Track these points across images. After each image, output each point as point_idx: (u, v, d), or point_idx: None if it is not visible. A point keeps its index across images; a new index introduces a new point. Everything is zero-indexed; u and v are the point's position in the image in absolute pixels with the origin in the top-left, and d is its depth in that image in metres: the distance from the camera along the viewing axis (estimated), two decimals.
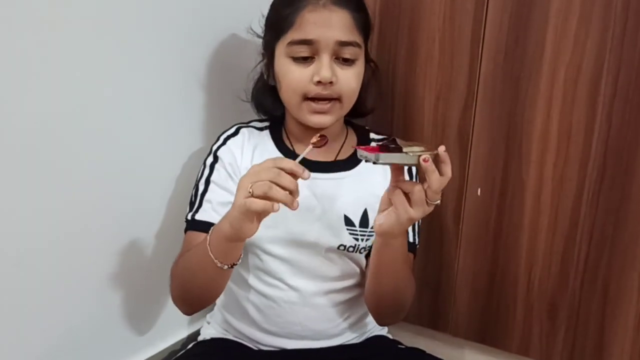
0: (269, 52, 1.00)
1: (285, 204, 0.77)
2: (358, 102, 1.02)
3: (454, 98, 1.15)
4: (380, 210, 0.86)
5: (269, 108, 1.05)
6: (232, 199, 0.94)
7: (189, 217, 0.99)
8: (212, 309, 1.13)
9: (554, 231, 1.11)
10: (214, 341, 1.07)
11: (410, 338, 1.22)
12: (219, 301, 1.10)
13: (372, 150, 0.80)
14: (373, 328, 1.10)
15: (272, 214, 0.80)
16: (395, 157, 0.79)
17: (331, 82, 0.93)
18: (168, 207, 1.11)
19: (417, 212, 0.81)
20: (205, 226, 0.95)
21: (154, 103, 1.04)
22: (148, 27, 1.00)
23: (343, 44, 0.93)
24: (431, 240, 1.22)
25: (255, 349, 1.04)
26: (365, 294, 1.02)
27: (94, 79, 0.93)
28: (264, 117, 1.08)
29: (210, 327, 1.10)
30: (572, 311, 1.12)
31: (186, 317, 1.21)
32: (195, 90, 1.11)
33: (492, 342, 1.21)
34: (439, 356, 1.00)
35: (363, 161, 0.89)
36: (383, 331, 1.12)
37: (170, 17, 1.03)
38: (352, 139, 1.07)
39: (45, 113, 0.87)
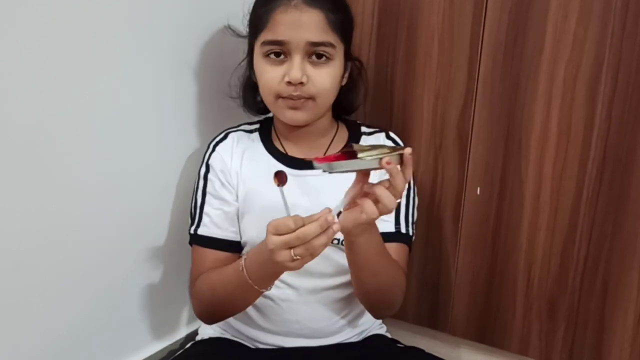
0: (249, 51, 1.02)
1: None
2: (344, 100, 1.04)
3: (453, 97, 1.15)
4: (344, 208, 0.84)
5: (255, 105, 1.06)
6: (225, 207, 1.01)
7: (192, 232, 1.02)
8: None
9: (553, 230, 1.11)
10: (212, 341, 1.06)
11: (410, 337, 1.22)
12: None
13: (327, 159, 0.77)
14: (372, 326, 1.10)
15: (262, 215, 0.84)
16: (351, 164, 0.76)
17: (302, 83, 0.94)
18: (167, 208, 1.10)
19: (380, 214, 0.81)
20: (208, 242, 1.01)
21: (148, 102, 1.04)
22: (142, 27, 1.00)
23: (314, 44, 0.94)
24: (430, 240, 1.22)
25: (253, 347, 1.04)
26: (354, 291, 1.01)
27: (87, 80, 0.92)
28: (254, 120, 1.08)
29: (209, 327, 1.09)
30: (572, 310, 1.12)
31: (185, 317, 1.21)
32: (190, 89, 1.11)
33: (491, 342, 1.21)
34: (438, 355, 1.00)
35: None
36: (382, 330, 1.12)
37: (164, 16, 1.03)
38: (343, 133, 1.07)
39: (40, 115, 0.87)
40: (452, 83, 1.15)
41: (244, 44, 1.04)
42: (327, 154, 1.03)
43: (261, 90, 0.99)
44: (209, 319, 1.02)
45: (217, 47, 1.13)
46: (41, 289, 0.92)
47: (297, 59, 0.93)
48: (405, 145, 1.04)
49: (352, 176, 0.99)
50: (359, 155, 0.76)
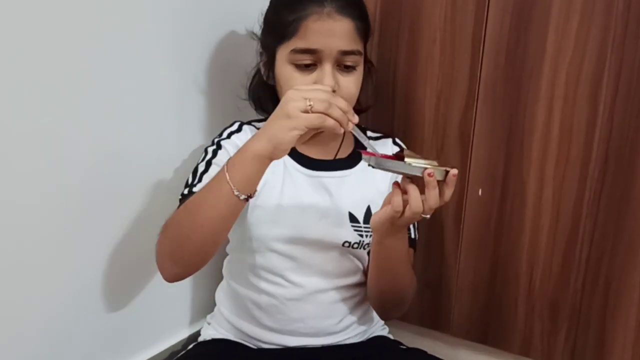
0: (268, 53, 0.99)
1: (341, 124, 0.79)
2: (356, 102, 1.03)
3: (455, 98, 1.15)
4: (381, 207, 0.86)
5: (267, 105, 1.05)
6: None
7: (186, 192, 0.96)
8: (212, 310, 1.12)
9: (555, 231, 1.11)
10: (215, 342, 1.06)
11: (412, 338, 1.22)
12: (219, 300, 1.09)
13: (376, 155, 0.80)
14: (375, 327, 1.10)
15: (275, 212, 0.84)
16: (396, 165, 0.79)
17: (334, 91, 0.92)
18: (169, 207, 1.10)
19: (407, 219, 0.83)
20: None
21: (152, 101, 1.03)
22: (147, 24, 1.00)
23: (345, 53, 0.94)
24: (432, 241, 1.22)
25: (256, 347, 1.04)
26: (367, 289, 1.03)
27: (92, 77, 0.92)
28: (262, 117, 1.08)
29: (211, 328, 1.09)
30: (574, 311, 1.12)
31: (187, 318, 1.21)
32: (194, 87, 1.11)
33: (493, 343, 1.21)
34: (440, 356, 1.00)
35: (363, 160, 0.90)
36: (384, 331, 1.12)
37: (168, 15, 1.03)
38: (350, 137, 1.06)
39: (43, 112, 0.86)
40: (454, 84, 1.15)
41: (246, 40, 1.04)
42: (337, 157, 1.03)
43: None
44: (173, 264, 0.90)
45: (221, 44, 1.13)
46: (41, 288, 0.92)
47: (328, 68, 0.93)
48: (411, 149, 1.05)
49: (362, 178, 1.00)
50: (407, 160, 0.78)
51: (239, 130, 1.03)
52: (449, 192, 0.81)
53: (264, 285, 1.01)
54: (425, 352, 1.03)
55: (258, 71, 1.05)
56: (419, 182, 0.81)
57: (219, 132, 1.04)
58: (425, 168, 0.78)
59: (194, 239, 0.86)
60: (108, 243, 1.01)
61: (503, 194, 1.14)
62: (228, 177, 0.81)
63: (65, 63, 0.88)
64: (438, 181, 0.80)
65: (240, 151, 0.83)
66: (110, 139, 0.97)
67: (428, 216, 0.82)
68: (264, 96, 1.04)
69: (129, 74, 0.98)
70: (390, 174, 0.92)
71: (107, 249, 1.01)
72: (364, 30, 0.97)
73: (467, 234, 1.19)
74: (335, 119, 0.78)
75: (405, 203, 0.81)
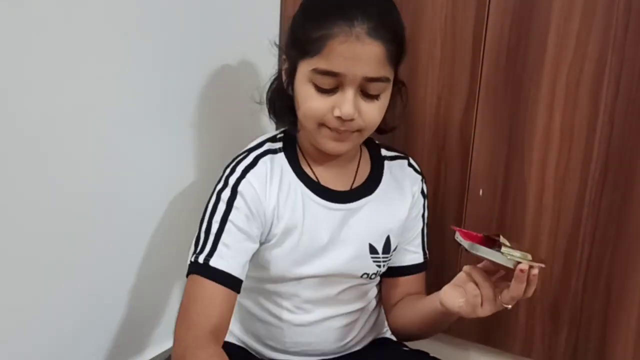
0: (290, 64, 0.90)
1: None
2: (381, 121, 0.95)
3: (456, 99, 1.15)
4: (454, 283, 0.87)
5: (282, 113, 0.97)
6: (250, 243, 0.89)
7: (201, 260, 0.86)
8: None
9: (556, 232, 1.11)
10: None
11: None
12: None
13: (471, 237, 0.79)
14: (381, 333, 1.10)
15: (294, 250, 0.87)
16: (491, 254, 0.79)
17: (352, 119, 0.86)
18: (170, 211, 1.10)
19: (485, 310, 0.83)
20: (222, 277, 0.86)
21: (153, 106, 1.04)
22: (152, 28, 1.00)
23: (371, 79, 0.85)
24: (433, 242, 1.22)
25: (259, 357, 1.03)
26: (394, 325, 1.05)
27: (95, 82, 0.92)
28: (274, 133, 1.00)
29: None
30: (575, 312, 1.12)
31: None
32: (196, 94, 1.11)
33: (495, 344, 1.21)
34: (443, 358, 1.00)
35: (382, 184, 0.94)
36: (387, 333, 1.11)
37: (174, 20, 1.03)
38: (366, 156, 1.01)
39: (45, 115, 0.86)
40: (455, 85, 1.15)
41: (257, 46, 1.03)
42: (354, 183, 0.97)
43: (303, 114, 0.90)
44: None
45: (230, 49, 1.14)
46: (41, 290, 0.91)
47: (350, 94, 0.85)
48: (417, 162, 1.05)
49: (380, 206, 0.97)
50: (503, 250, 0.78)
51: (253, 163, 0.92)
52: (531, 290, 0.80)
53: (274, 308, 0.98)
54: (427, 354, 1.03)
55: (278, 76, 0.97)
56: (509, 271, 0.80)
57: (230, 163, 0.93)
58: (519, 262, 0.78)
59: None
60: (108, 245, 1.00)
61: (504, 195, 1.14)
62: None
63: (71, 64, 0.88)
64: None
65: None
66: (114, 142, 0.98)
67: (509, 306, 0.82)
68: (280, 103, 0.96)
69: (133, 77, 0.98)
70: (407, 199, 0.93)
71: (107, 251, 1.01)
72: (396, 55, 0.88)
73: None
74: None
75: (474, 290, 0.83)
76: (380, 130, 0.96)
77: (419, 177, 1.04)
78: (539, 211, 1.12)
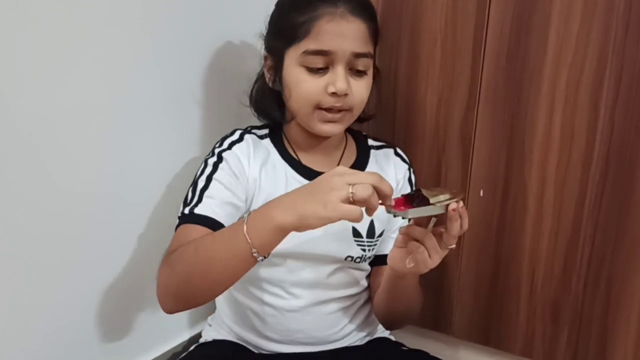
0: (275, 57, 0.96)
1: (373, 210, 0.74)
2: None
3: (456, 100, 1.15)
4: (396, 246, 0.87)
5: (270, 112, 1.01)
6: (235, 200, 0.93)
7: (187, 212, 0.91)
8: (213, 311, 1.12)
9: (557, 233, 1.11)
10: (216, 343, 1.06)
11: (414, 340, 1.22)
12: (219, 305, 1.09)
13: (398, 203, 0.79)
14: (376, 330, 1.10)
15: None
16: (424, 210, 0.79)
17: (346, 94, 0.91)
18: (170, 210, 1.10)
19: (435, 260, 0.82)
20: (207, 221, 0.89)
21: (152, 105, 1.04)
22: (149, 29, 1.00)
23: (358, 55, 0.91)
24: None
25: (257, 352, 1.03)
26: (376, 310, 1.03)
27: (94, 81, 0.93)
28: (262, 123, 1.05)
29: (212, 329, 1.09)
30: (575, 313, 1.12)
31: (188, 319, 1.21)
32: (194, 93, 1.11)
33: (495, 344, 1.21)
34: (442, 358, 1.00)
35: (366, 170, 0.93)
36: (386, 333, 1.12)
37: (171, 20, 1.03)
38: (351, 145, 1.05)
39: (44, 114, 0.87)
40: (455, 86, 1.15)
41: (248, 46, 1.04)
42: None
43: (295, 100, 0.94)
44: (177, 301, 0.86)
45: (223, 50, 1.14)
46: (43, 290, 0.92)
47: (341, 70, 0.90)
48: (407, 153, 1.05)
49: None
50: (432, 201, 0.78)
51: (240, 139, 0.99)
52: (466, 222, 0.81)
53: (263, 296, 1.00)
54: (427, 354, 1.02)
55: (260, 77, 1.02)
56: (441, 216, 0.81)
57: (218, 141, 1.00)
58: (448, 204, 0.79)
59: (202, 287, 0.83)
60: (110, 244, 1.01)
61: (504, 196, 1.14)
62: (248, 237, 0.76)
63: (68, 64, 0.89)
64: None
65: (263, 215, 0.77)
66: (112, 142, 0.98)
67: (454, 246, 0.82)
68: (267, 101, 1.01)
69: (131, 76, 0.99)
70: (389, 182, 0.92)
71: (108, 250, 1.01)
72: (375, 33, 0.95)
73: (468, 235, 1.19)
74: (372, 207, 0.74)
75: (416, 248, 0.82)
76: (360, 118, 1.01)
77: (406, 165, 1.07)
78: (540, 212, 1.12)
